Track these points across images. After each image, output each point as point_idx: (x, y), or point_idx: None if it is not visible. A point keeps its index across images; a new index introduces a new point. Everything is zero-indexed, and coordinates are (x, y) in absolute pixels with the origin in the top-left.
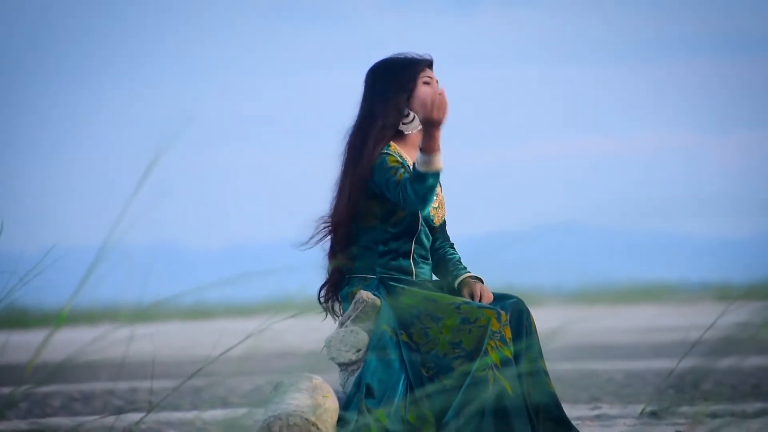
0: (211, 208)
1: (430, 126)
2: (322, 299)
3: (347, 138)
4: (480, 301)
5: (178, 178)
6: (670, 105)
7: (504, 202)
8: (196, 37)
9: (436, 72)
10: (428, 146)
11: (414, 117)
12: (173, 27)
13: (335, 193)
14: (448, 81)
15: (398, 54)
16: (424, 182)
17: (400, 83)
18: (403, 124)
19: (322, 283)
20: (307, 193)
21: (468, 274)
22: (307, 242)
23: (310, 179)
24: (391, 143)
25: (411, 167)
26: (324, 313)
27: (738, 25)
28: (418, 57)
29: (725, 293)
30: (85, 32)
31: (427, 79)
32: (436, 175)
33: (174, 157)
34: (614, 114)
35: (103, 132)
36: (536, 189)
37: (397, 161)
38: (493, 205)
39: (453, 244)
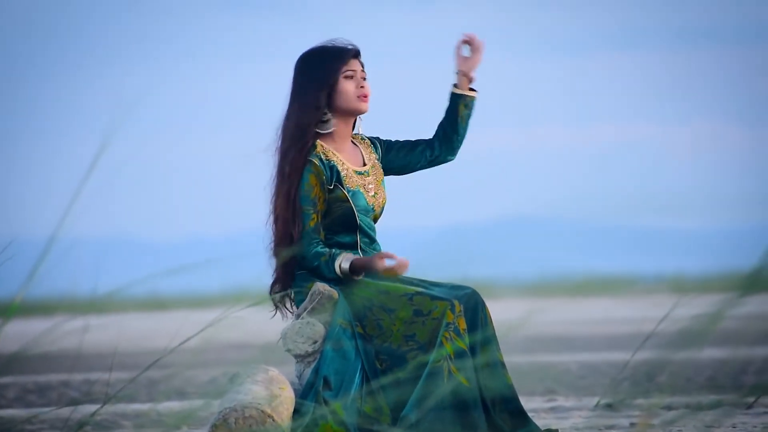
0: (170, 200)
1: (380, 271)
2: (274, 297)
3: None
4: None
5: (136, 170)
6: (629, 96)
7: (461, 194)
8: (157, 26)
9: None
10: (358, 272)
11: (330, 117)
12: (130, 17)
13: (272, 191)
14: (408, 69)
15: (325, 43)
16: (324, 273)
17: (320, 79)
18: (319, 122)
19: (272, 279)
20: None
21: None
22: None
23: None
24: (318, 143)
25: (336, 172)
26: (274, 309)
27: (697, 16)
28: (343, 47)
29: (680, 285)
30: (37, 23)
31: (349, 73)
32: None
33: (131, 149)
34: (572, 106)
35: (51, 122)
36: (493, 182)
37: (314, 188)
38: (450, 198)
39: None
